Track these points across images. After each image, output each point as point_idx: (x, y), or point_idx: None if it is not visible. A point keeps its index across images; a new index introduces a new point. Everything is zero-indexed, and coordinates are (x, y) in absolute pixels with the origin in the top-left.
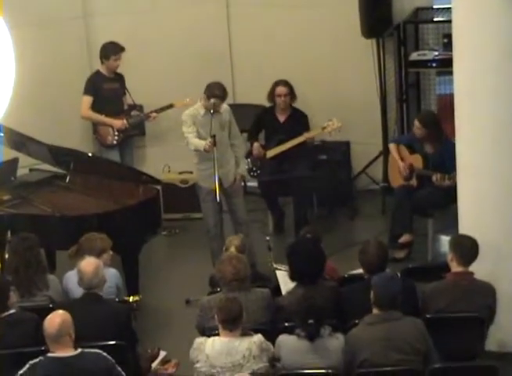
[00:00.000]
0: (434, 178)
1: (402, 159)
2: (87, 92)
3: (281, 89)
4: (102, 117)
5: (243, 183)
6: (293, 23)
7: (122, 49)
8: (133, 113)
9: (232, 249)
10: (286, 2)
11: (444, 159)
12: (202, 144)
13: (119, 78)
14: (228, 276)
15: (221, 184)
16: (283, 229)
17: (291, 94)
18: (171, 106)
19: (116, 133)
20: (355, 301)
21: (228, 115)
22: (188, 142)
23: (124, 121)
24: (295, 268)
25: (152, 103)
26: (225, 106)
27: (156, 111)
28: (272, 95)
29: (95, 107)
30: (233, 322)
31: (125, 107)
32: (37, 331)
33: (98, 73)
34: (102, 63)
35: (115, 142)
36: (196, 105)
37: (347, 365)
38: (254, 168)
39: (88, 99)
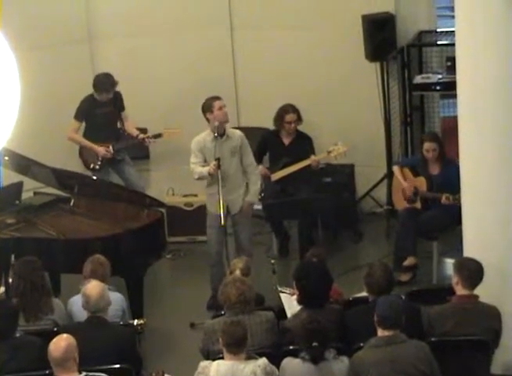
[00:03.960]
0: (443, 199)
1: (406, 181)
2: (76, 116)
3: (291, 117)
4: (86, 142)
5: (256, 207)
6: (297, 46)
7: (114, 86)
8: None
9: (237, 272)
10: (289, 26)
11: (448, 180)
12: (206, 169)
13: (114, 99)
14: (232, 299)
15: (228, 211)
16: (288, 252)
17: (299, 119)
18: (159, 135)
19: (99, 158)
20: (360, 324)
21: (239, 141)
22: (192, 172)
23: (110, 148)
24: (304, 291)
25: (156, 127)
26: (236, 132)
27: (148, 137)
28: (280, 121)
29: (87, 132)
30: (238, 345)
31: (119, 128)
32: (41, 355)
33: (92, 97)
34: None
35: (97, 167)
36: (205, 132)
37: None
38: (259, 191)
39: (75, 124)
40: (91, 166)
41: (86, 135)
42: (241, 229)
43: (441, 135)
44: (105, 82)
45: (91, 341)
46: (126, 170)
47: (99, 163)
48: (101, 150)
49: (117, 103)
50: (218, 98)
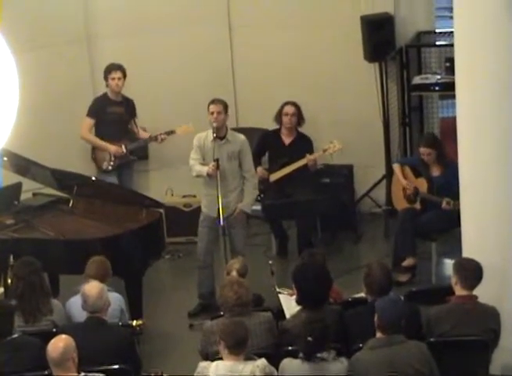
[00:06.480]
0: (444, 204)
1: (406, 180)
2: (89, 114)
3: (289, 108)
4: (99, 141)
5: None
6: (296, 46)
7: (118, 67)
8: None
9: (234, 273)
10: (288, 26)
11: (449, 182)
12: (204, 169)
13: (126, 103)
14: (230, 302)
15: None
16: (287, 252)
17: (298, 115)
18: (172, 132)
19: (112, 159)
20: (359, 325)
21: (239, 146)
22: (191, 169)
23: (123, 147)
24: (303, 292)
25: (154, 126)
26: (239, 137)
27: (161, 134)
28: (279, 115)
29: (97, 131)
30: (239, 346)
31: (130, 130)
32: (40, 356)
33: (104, 96)
34: (106, 86)
35: (110, 167)
36: (210, 130)
37: None
38: (255, 199)
39: (88, 121)
40: (105, 167)
41: (96, 134)
42: (235, 232)
43: (439, 135)
44: (109, 66)
45: (90, 342)
46: (129, 174)
47: (112, 163)
48: (113, 148)
49: (128, 108)
50: (212, 101)
